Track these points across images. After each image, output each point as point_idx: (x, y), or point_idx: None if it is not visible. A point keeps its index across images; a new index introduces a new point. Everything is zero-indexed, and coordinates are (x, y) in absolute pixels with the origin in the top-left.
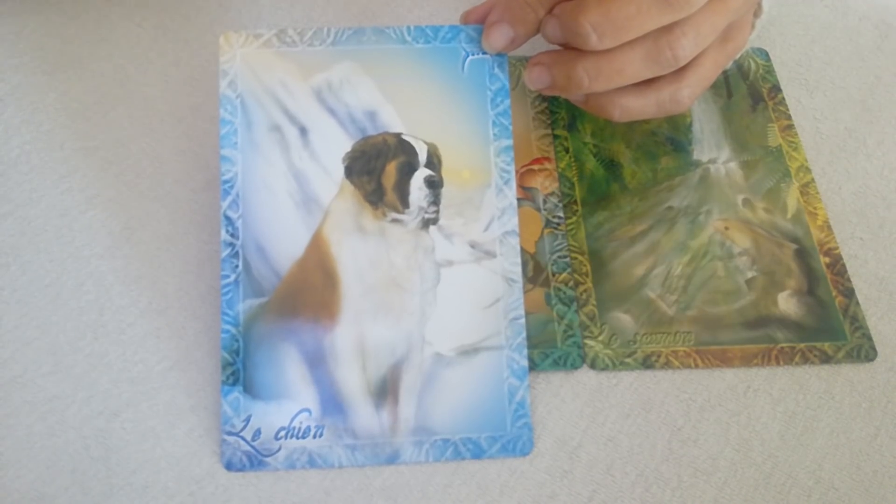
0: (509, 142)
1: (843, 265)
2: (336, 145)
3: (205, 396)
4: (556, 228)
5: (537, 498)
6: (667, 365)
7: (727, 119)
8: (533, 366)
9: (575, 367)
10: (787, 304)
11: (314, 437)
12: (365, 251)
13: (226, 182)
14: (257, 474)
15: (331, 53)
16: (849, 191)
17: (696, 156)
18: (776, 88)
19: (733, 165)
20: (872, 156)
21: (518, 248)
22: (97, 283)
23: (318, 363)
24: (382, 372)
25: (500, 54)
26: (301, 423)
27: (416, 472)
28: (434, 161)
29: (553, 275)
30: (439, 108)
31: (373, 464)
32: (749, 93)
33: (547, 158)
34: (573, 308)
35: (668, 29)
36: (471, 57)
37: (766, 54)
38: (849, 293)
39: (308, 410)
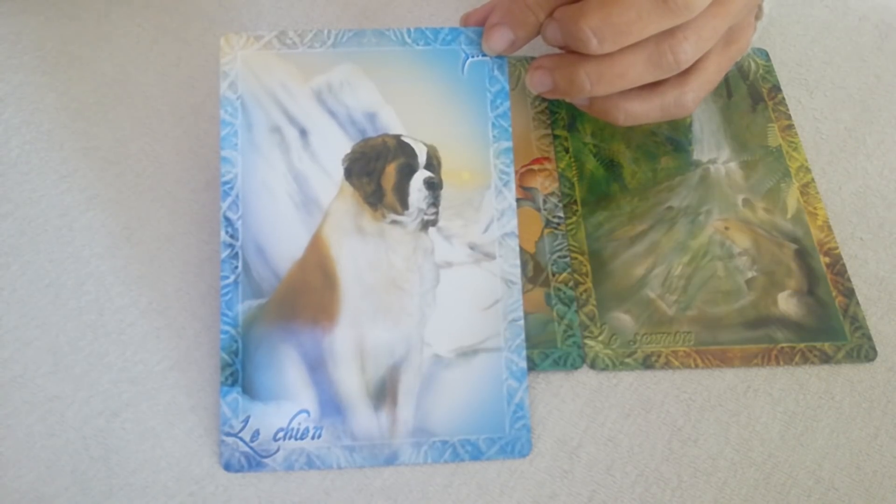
0: (509, 143)
1: (843, 265)
2: (336, 147)
3: (204, 397)
4: (556, 228)
5: (537, 498)
6: (667, 365)
7: (727, 119)
8: (533, 366)
9: (575, 367)
10: (787, 304)
11: (312, 438)
12: (364, 252)
13: (226, 183)
14: (257, 475)
15: (331, 55)
16: (849, 191)
17: (696, 156)
18: (776, 88)
19: (733, 165)
20: (872, 156)
21: (517, 249)
22: (97, 283)
23: (316, 364)
24: (381, 373)
25: (499, 56)
26: (299, 424)
27: (416, 472)
28: (433, 163)
29: (553, 275)
30: (439, 109)
31: (371, 465)
32: (749, 93)
33: (547, 158)
34: (573, 308)
35: (669, 33)
36: (471, 59)
37: (766, 54)
38: (849, 293)
39: (306, 411)
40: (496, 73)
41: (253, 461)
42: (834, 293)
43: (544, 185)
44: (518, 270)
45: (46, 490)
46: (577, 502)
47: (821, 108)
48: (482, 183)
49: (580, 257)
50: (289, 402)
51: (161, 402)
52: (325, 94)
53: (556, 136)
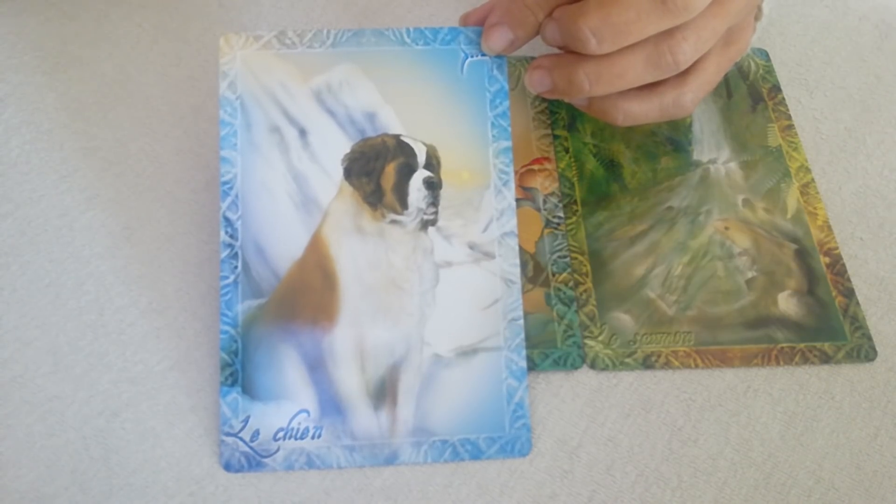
0: (508, 143)
1: (843, 265)
2: (335, 147)
3: (204, 397)
4: (556, 228)
5: (537, 498)
6: (667, 365)
7: (727, 119)
8: (533, 366)
9: (575, 367)
10: (787, 304)
11: (312, 437)
12: (364, 252)
13: (225, 183)
14: (257, 474)
15: (330, 55)
16: (849, 191)
17: (696, 156)
18: (776, 88)
19: (733, 165)
20: (872, 156)
21: (517, 249)
22: (97, 283)
23: (316, 364)
24: (381, 373)
25: (499, 56)
26: (299, 423)
27: (416, 472)
28: (433, 162)
29: (553, 275)
30: (438, 109)
31: (371, 465)
32: (749, 93)
33: (547, 158)
34: (573, 308)
35: (668, 33)
36: (470, 59)
37: (766, 54)
38: (849, 293)
39: (306, 411)
40: (495, 72)
41: (253, 461)
42: (834, 293)
43: (544, 185)
44: (517, 270)
45: (46, 490)
46: (577, 502)
47: (821, 108)
48: (481, 182)
49: (580, 257)
50: (289, 402)
51: (161, 402)
52: (324, 93)
53: (556, 136)
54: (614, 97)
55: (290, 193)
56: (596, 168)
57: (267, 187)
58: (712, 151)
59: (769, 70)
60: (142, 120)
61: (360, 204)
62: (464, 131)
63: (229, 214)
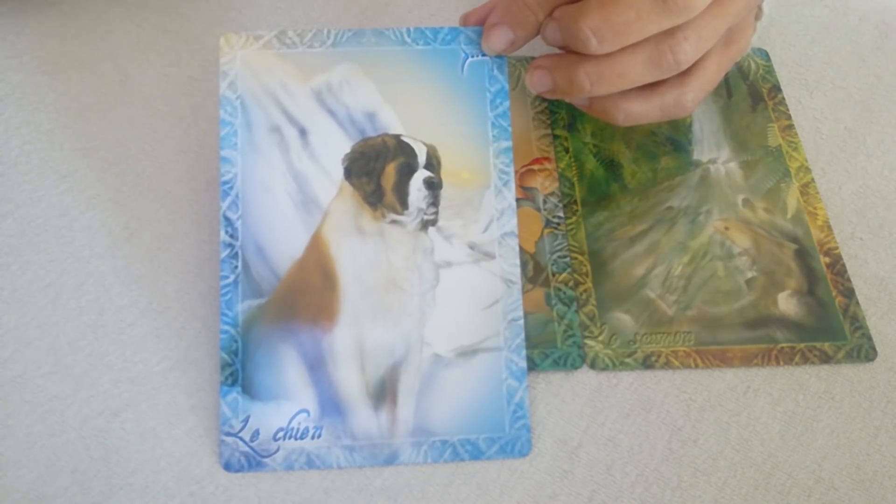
0: (508, 143)
1: (843, 265)
2: (335, 146)
3: (204, 397)
4: (556, 228)
5: (537, 498)
6: (667, 365)
7: (727, 119)
8: (533, 366)
9: (575, 367)
10: (787, 304)
11: (312, 437)
12: (364, 252)
13: (225, 183)
14: (257, 474)
15: (330, 55)
16: (849, 191)
17: (696, 156)
18: (776, 88)
19: (733, 165)
20: (872, 156)
21: (517, 249)
22: (97, 283)
23: (316, 364)
24: (381, 373)
25: (499, 56)
26: (299, 423)
27: (417, 472)
28: (433, 162)
29: (553, 275)
30: (438, 109)
31: (371, 465)
32: (749, 93)
33: (547, 158)
34: (573, 308)
35: (669, 33)
36: (470, 59)
37: (766, 54)
38: (849, 293)
39: (306, 411)
40: (496, 72)
41: (253, 461)
42: (834, 293)
43: (544, 185)
44: (518, 270)
45: (46, 490)
46: (577, 502)
47: (821, 108)
48: (482, 182)
49: (580, 257)
50: (289, 402)
51: (161, 402)
52: (324, 93)
53: (556, 136)
54: (615, 97)
55: (291, 193)
56: (596, 168)
57: (267, 187)
58: (712, 151)
59: (769, 70)
60: (142, 120)
61: (360, 204)
62: (464, 131)
63: (229, 214)
